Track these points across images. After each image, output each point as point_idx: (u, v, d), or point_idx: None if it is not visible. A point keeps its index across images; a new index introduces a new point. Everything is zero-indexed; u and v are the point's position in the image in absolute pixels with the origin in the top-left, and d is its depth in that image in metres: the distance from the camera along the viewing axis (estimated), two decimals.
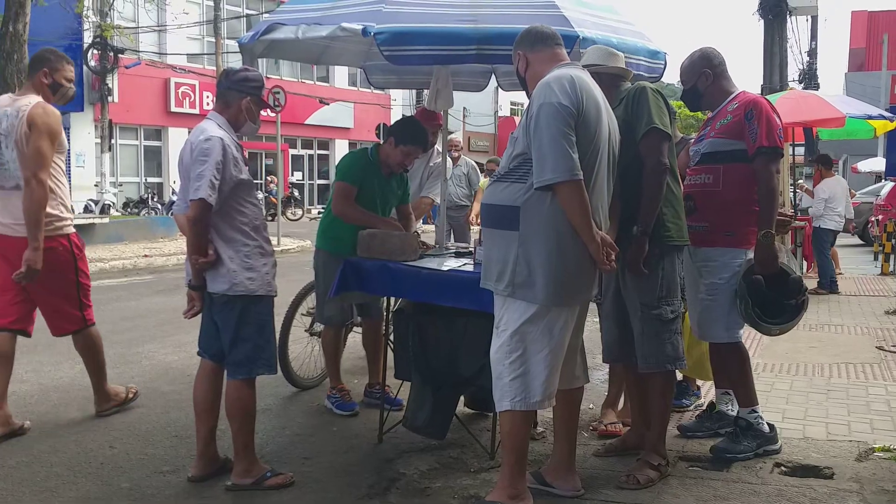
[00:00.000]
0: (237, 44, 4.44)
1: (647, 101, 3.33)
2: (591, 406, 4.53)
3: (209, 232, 3.30)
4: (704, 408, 4.24)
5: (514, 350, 2.91)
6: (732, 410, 3.97)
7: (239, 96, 3.42)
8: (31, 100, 3.95)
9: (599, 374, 5.00)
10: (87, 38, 20.03)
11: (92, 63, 20.01)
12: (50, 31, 18.02)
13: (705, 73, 3.72)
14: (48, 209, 3.91)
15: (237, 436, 3.42)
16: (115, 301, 8.44)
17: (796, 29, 27.28)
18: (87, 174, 20.38)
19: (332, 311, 4.46)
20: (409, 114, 28.31)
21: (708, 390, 4.65)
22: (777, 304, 3.59)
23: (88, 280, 4.31)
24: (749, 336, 5.23)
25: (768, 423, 3.78)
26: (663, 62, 4.13)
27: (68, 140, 8.19)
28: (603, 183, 2.96)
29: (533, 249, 2.86)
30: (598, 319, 4.24)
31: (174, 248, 13.95)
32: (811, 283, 9.14)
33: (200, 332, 3.57)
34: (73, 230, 4.20)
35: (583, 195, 2.78)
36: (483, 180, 8.21)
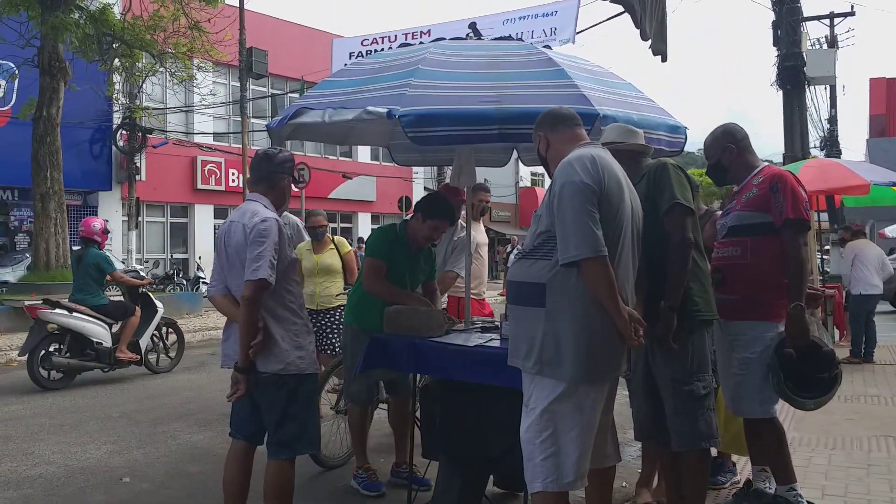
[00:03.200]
0: (266, 128, 4.55)
1: (668, 176, 3.36)
2: (624, 484, 4.42)
3: (260, 311, 3.32)
4: (741, 485, 4.12)
5: (545, 429, 2.86)
6: (770, 488, 3.85)
7: (283, 177, 3.55)
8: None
9: (632, 451, 4.89)
10: (117, 119, 20.67)
11: (120, 143, 20.57)
12: (81, 114, 18.69)
13: (729, 148, 3.76)
14: None
15: None
16: (140, 378, 8.45)
17: (815, 97, 27.47)
18: (114, 251, 20.71)
19: (359, 388, 4.44)
20: (430, 186, 28.75)
21: (744, 466, 4.52)
22: (810, 378, 3.52)
23: None
24: (783, 409, 5.11)
25: (808, 502, 3.66)
26: (684, 136, 4.17)
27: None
28: (628, 258, 2.96)
29: (560, 326, 2.84)
30: (626, 393, 4.18)
31: (199, 325, 14.02)
32: (843, 351, 8.95)
33: (233, 413, 3.55)
34: None
35: (608, 271, 2.77)
36: (303, 243, 6.51)
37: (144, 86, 19.95)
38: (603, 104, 3.68)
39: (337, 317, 6.15)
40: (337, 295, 6.17)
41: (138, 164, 20.91)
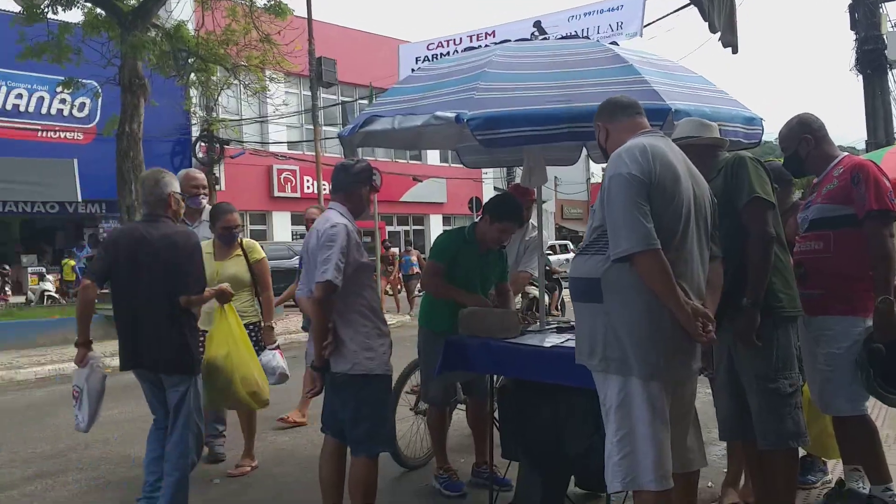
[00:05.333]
0: (338, 136, 4.65)
1: (746, 170, 3.28)
2: (710, 484, 4.33)
3: (332, 313, 3.44)
4: (833, 485, 3.98)
5: (620, 428, 2.82)
6: (864, 488, 3.72)
7: (360, 186, 3.68)
8: None
9: (717, 451, 4.79)
10: (195, 131, 21.39)
11: (200, 155, 21.28)
12: (161, 128, 19.43)
13: (805, 139, 3.64)
14: None
15: None
16: None
17: None
18: None
19: (437, 390, 4.49)
20: (500, 187, 28.71)
21: (835, 466, 4.37)
22: None
23: None
24: (874, 406, 4.91)
25: None
26: (760, 128, 4.06)
27: None
28: (692, 249, 2.85)
29: (619, 322, 2.79)
30: (710, 392, 4.09)
31: (280, 329, 14.31)
32: None
33: (323, 410, 3.71)
34: None
35: (661, 264, 2.69)
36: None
37: (220, 98, 20.59)
38: (674, 99, 3.62)
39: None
40: (241, 314, 4.77)
41: (217, 175, 21.59)
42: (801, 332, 3.54)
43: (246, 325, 4.71)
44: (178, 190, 4.07)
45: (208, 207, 5.46)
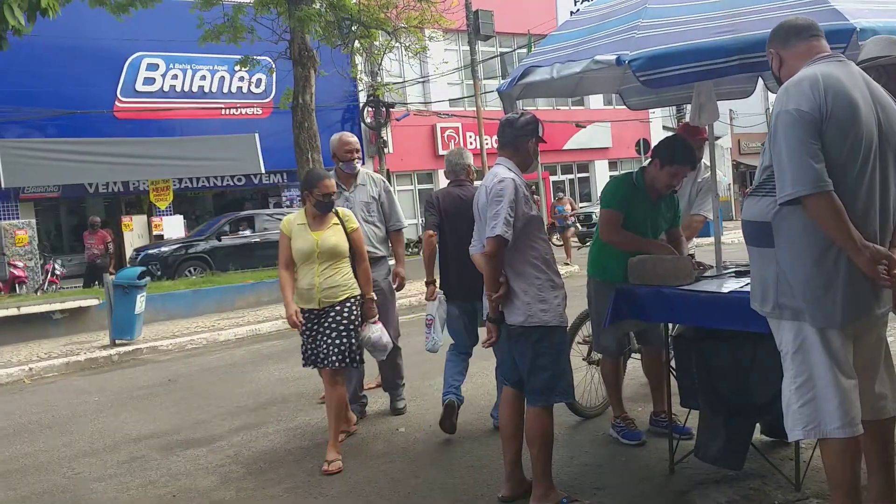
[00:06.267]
0: (497, 91, 4.66)
1: None
2: None
3: (503, 266, 3.51)
4: None
5: (799, 374, 2.69)
6: None
7: (526, 139, 3.69)
8: None
9: None
10: (362, 98, 22.15)
11: (368, 120, 22.04)
12: (331, 97, 20.30)
13: None
14: None
15: (536, 461, 3.58)
16: (405, 337, 9.09)
17: None
18: None
19: (609, 341, 4.45)
20: (669, 125, 27.50)
21: None
22: None
23: None
24: None
25: None
26: None
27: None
28: (873, 188, 2.63)
29: (790, 267, 2.64)
30: None
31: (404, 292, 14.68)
32: None
33: (500, 362, 3.81)
34: None
35: (834, 206, 2.51)
36: (291, 216, 4.83)
37: (383, 63, 21.13)
38: (859, 16, 3.30)
39: (345, 314, 4.55)
40: (343, 288, 4.59)
41: (385, 138, 22.29)
42: None
43: (347, 300, 4.58)
44: (472, 163, 5.26)
45: (364, 171, 5.53)
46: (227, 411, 6.16)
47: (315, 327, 4.58)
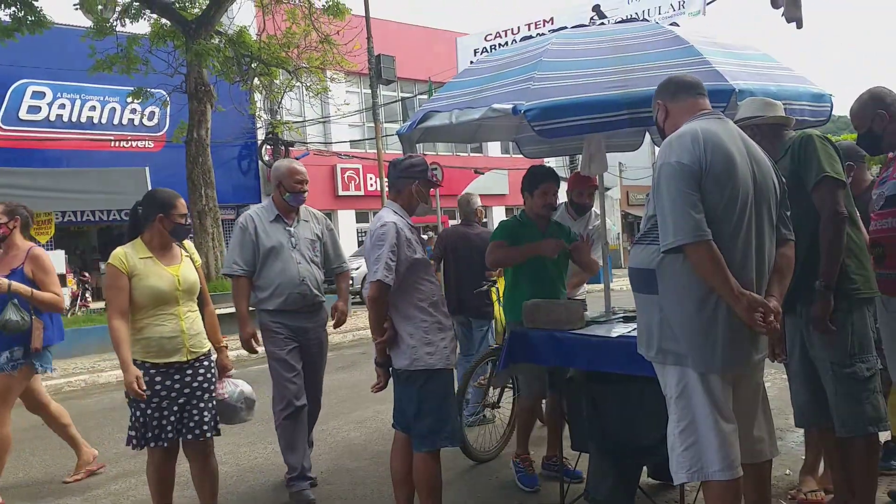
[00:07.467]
0: (396, 134, 4.68)
1: (814, 149, 3.17)
2: (788, 472, 4.23)
3: (386, 311, 3.50)
4: None
5: (682, 418, 2.77)
6: None
7: (408, 182, 3.69)
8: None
9: (794, 437, 4.66)
10: (260, 135, 21.84)
11: (266, 157, 21.71)
12: (228, 133, 19.91)
13: (879, 114, 3.45)
14: None
15: None
16: (353, 366, 8.88)
17: None
18: None
19: (535, 383, 4.50)
20: (563, 175, 28.35)
21: None
22: None
23: None
24: None
25: None
26: (829, 104, 3.91)
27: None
28: (749, 238, 2.74)
29: (673, 313, 2.74)
30: (786, 377, 3.97)
31: (349, 325, 14.55)
32: None
33: (394, 406, 3.75)
34: None
35: (712, 255, 2.61)
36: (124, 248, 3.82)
37: (283, 101, 20.96)
38: (738, 78, 3.53)
39: (212, 371, 3.82)
40: (203, 336, 3.84)
41: None
42: (879, 313, 3.40)
43: (209, 352, 3.85)
44: (479, 204, 6.31)
45: (304, 206, 4.85)
46: (104, 458, 5.80)
47: (175, 386, 3.64)
